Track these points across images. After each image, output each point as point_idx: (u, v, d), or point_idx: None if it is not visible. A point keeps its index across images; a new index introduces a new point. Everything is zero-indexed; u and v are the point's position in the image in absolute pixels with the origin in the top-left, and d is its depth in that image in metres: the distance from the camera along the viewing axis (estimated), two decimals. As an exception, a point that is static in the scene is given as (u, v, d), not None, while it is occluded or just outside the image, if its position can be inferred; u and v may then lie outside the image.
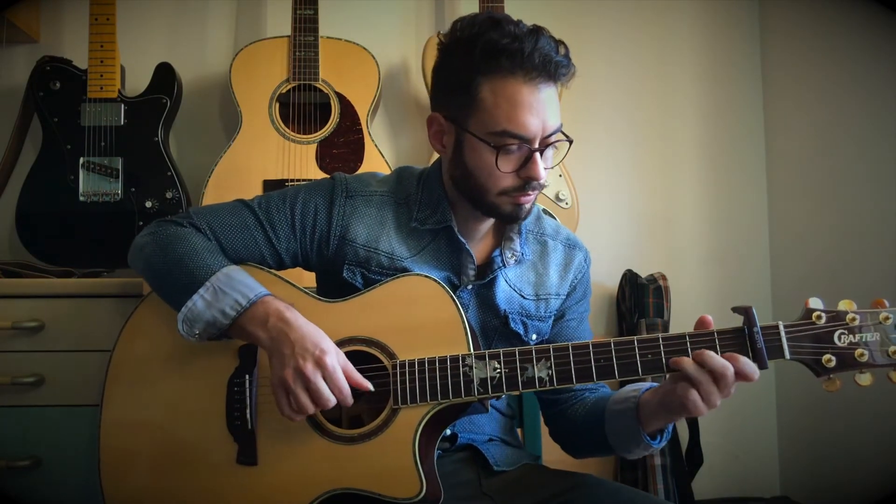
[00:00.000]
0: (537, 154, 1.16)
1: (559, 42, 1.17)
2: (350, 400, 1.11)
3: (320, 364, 1.10)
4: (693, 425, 2.16)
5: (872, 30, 1.99)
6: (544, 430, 1.54)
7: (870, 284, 1.92)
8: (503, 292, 1.29)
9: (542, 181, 1.18)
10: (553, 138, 1.18)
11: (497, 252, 1.29)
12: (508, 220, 1.25)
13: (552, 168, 1.22)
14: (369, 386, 1.14)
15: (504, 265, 1.29)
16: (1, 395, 1.68)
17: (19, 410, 1.69)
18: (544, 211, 1.43)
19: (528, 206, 1.22)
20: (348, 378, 1.12)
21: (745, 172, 2.43)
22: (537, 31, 1.15)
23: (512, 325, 1.29)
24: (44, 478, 1.68)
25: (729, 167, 2.43)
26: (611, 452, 1.29)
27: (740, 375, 1.07)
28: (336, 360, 1.11)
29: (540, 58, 1.13)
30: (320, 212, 1.27)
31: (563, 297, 1.35)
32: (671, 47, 2.44)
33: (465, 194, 1.24)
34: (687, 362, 1.08)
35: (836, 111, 2.12)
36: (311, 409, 1.10)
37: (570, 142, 1.21)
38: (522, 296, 1.30)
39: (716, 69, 2.45)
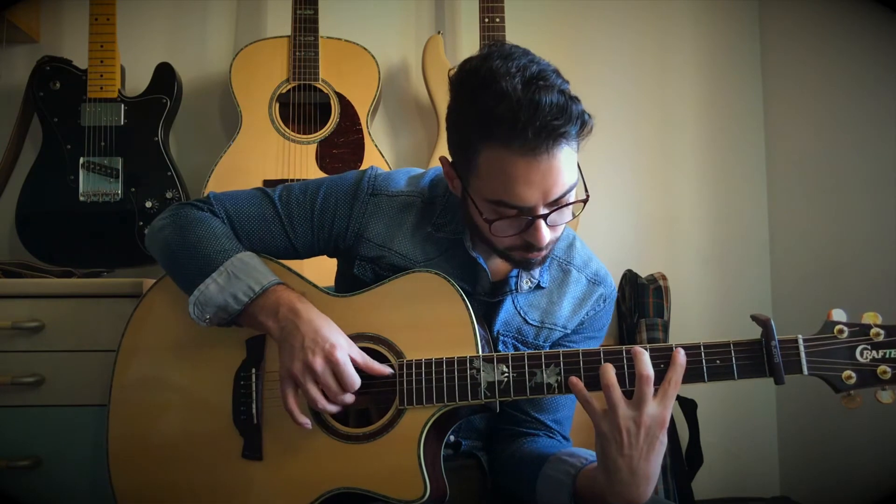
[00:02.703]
0: (539, 221, 1.07)
1: (568, 98, 1.03)
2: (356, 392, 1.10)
3: (330, 359, 1.08)
4: (693, 425, 2.15)
5: (872, 30, 1.99)
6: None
7: (870, 285, 1.92)
8: (506, 314, 1.24)
9: (545, 245, 1.10)
10: (564, 200, 1.07)
11: (514, 272, 1.23)
12: (521, 269, 1.20)
13: (566, 223, 1.14)
14: (388, 371, 1.12)
15: (517, 290, 1.23)
16: (1, 395, 1.68)
17: (19, 410, 1.69)
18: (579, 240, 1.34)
19: (538, 259, 1.14)
20: (366, 367, 1.11)
21: (745, 172, 2.43)
22: (539, 89, 1.01)
23: (501, 347, 1.24)
24: (44, 478, 1.68)
25: (729, 167, 2.43)
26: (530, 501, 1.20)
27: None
28: (347, 355, 1.09)
29: (536, 131, 1.00)
30: (340, 208, 1.24)
31: (569, 332, 1.28)
32: (671, 47, 2.44)
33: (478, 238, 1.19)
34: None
35: (836, 111, 2.12)
36: (321, 403, 1.09)
37: (585, 201, 1.10)
38: (526, 320, 1.25)
39: (716, 69, 2.45)
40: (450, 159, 1.16)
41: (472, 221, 1.15)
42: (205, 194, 1.92)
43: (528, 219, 1.08)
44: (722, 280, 2.39)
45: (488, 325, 1.23)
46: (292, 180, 2.00)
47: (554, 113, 1.01)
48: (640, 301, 2.19)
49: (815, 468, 2.18)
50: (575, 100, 1.04)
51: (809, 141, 2.24)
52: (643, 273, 2.27)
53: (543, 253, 1.13)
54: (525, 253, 1.13)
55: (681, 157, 2.43)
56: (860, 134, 2.02)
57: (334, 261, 1.35)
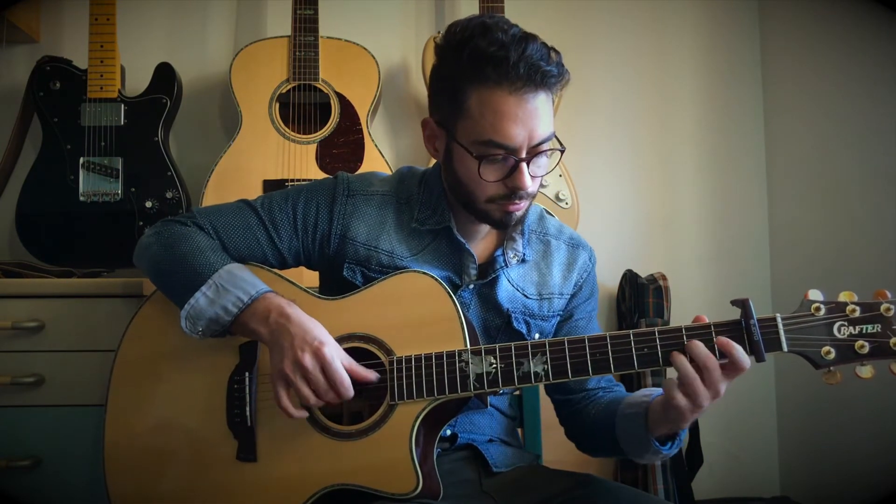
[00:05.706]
0: (523, 164, 1.14)
1: (550, 49, 1.15)
2: (350, 392, 1.12)
3: (318, 355, 1.11)
4: (693, 425, 2.15)
5: (872, 30, 1.99)
6: (544, 430, 1.55)
7: (870, 285, 1.91)
8: (506, 291, 1.29)
9: (528, 190, 1.17)
10: (544, 146, 1.16)
11: (499, 251, 1.29)
12: (498, 227, 1.25)
13: (545, 175, 1.21)
14: (373, 376, 1.15)
15: (506, 265, 1.29)
16: (1, 395, 1.69)
17: (19, 410, 1.69)
18: (546, 211, 1.43)
19: (518, 213, 1.21)
20: (351, 372, 1.13)
21: (744, 172, 2.43)
22: (526, 38, 1.12)
23: (515, 324, 1.29)
24: (44, 478, 1.68)
25: (729, 167, 2.43)
26: (623, 455, 1.27)
27: (730, 367, 1.06)
28: (335, 352, 1.12)
29: (526, 67, 1.10)
30: (322, 210, 1.28)
31: (568, 296, 1.34)
32: (671, 48, 2.45)
33: (457, 199, 1.25)
34: (679, 358, 1.07)
35: (835, 110, 2.12)
36: (312, 399, 1.11)
37: (562, 150, 1.20)
38: (525, 295, 1.30)
39: (715, 69, 2.45)
40: (431, 120, 1.24)
41: (455, 177, 1.21)
42: (204, 194, 1.96)
43: (512, 162, 1.14)
44: (722, 280, 2.39)
45: (492, 306, 1.28)
46: (292, 180, 2.01)
47: (541, 56, 1.12)
48: (640, 301, 2.19)
49: (815, 468, 2.18)
50: (557, 52, 1.16)
51: (809, 140, 2.24)
52: (643, 273, 2.27)
53: (523, 204, 1.20)
54: (506, 203, 1.18)
55: (680, 157, 2.43)
56: (860, 133, 2.02)
57: (325, 267, 1.36)
